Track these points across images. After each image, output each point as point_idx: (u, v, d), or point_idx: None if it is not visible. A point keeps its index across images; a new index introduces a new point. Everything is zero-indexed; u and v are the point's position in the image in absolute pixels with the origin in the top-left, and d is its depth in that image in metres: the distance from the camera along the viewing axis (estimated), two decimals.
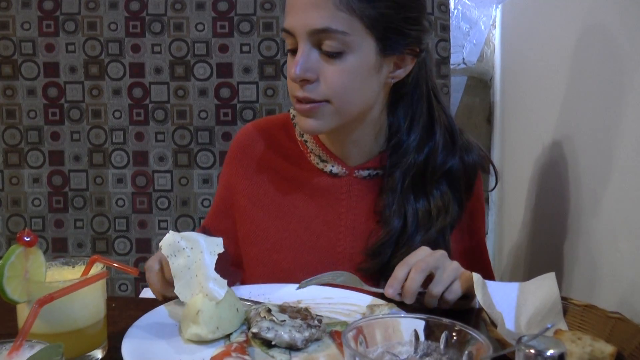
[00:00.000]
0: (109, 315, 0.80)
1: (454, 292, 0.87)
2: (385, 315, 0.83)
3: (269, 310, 0.80)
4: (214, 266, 0.81)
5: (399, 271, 0.88)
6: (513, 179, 1.62)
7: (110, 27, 1.72)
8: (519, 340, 0.56)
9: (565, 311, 0.83)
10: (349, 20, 0.92)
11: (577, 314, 0.82)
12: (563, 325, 0.81)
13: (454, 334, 0.59)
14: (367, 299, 0.91)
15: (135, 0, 1.71)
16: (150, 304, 0.88)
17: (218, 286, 0.80)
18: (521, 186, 1.50)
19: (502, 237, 1.79)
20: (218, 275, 0.81)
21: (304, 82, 0.96)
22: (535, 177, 1.39)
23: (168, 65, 1.73)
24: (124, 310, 0.88)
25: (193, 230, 1.29)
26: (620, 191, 0.98)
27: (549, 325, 0.59)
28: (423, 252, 0.90)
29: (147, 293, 0.92)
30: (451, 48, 1.74)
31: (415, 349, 0.61)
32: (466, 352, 0.58)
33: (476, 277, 0.83)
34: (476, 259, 1.13)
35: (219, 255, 0.82)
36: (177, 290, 0.81)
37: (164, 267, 0.89)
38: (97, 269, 0.79)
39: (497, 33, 1.89)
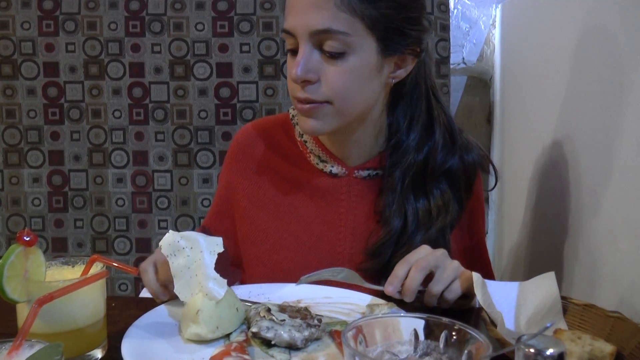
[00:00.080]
0: (108, 315, 0.80)
1: (454, 291, 0.87)
2: (385, 314, 0.82)
3: (269, 310, 0.80)
4: (213, 266, 0.81)
5: (399, 269, 0.88)
6: (513, 178, 1.62)
7: (110, 27, 1.72)
8: (519, 339, 0.56)
9: (565, 310, 0.83)
10: (350, 20, 0.92)
11: (577, 313, 0.82)
12: (563, 325, 0.81)
13: (453, 333, 0.59)
14: (367, 299, 0.91)
15: (135, 0, 1.72)
16: (150, 304, 0.88)
17: (218, 286, 0.80)
18: (521, 186, 1.50)
19: (502, 237, 1.79)
20: (218, 275, 0.80)
21: (305, 82, 0.95)
22: (535, 177, 1.39)
23: (168, 65, 1.73)
24: (123, 310, 0.88)
25: (193, 229, 1.29)
26: (620, 191, 0.98)
27: (548, 325, 0.59)
28: (424, 250, 0.91)
29: (147, 293, 0.92)
30: (451, 48, 1.74)
31: (415, 348, 0.61)
32: (466, 351, 0.58)
33: (476, 276, 0.83)
34: (476, 259, 1.13)
35: (219, 255, 0.82)
36: (177, 290, 0.81)
37: (158, 269, 0.89)
38: (96, 268, 0.79)
39: (497, 33, 1.89)
